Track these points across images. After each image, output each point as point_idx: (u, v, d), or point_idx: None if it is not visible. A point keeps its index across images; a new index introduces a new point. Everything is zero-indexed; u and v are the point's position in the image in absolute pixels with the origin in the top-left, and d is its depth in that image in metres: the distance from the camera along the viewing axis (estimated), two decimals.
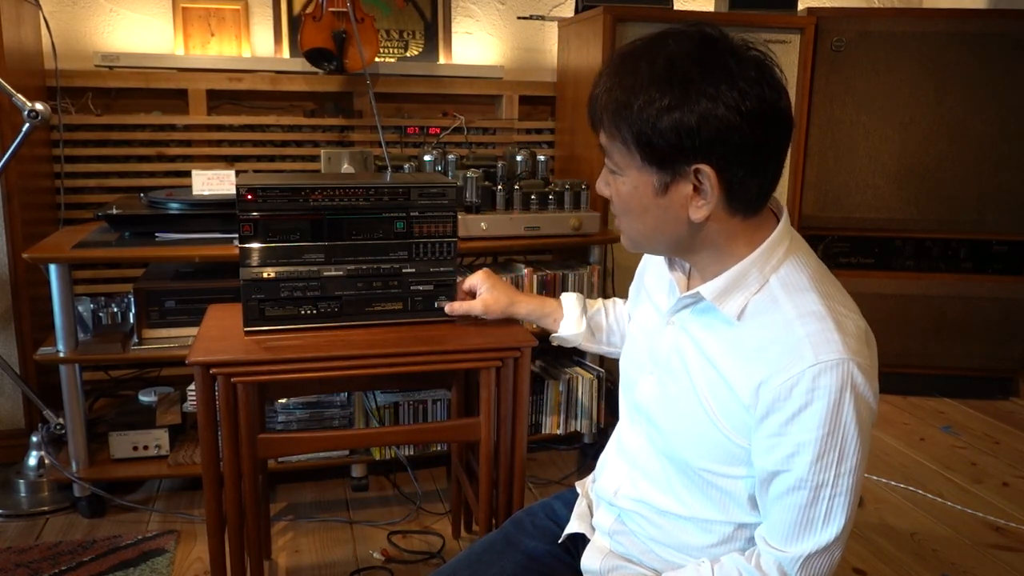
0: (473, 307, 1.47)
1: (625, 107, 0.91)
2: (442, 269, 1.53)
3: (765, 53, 0.92)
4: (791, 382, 0.87)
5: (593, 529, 1.17)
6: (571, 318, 1.39)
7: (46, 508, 2.08)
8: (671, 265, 1.09)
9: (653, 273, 1.16)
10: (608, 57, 0.96)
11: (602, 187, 1.03)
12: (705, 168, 0.90)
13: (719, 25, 0.93)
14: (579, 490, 1.26)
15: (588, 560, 1.14)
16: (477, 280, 1.49)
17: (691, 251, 1.00)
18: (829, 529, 0.90)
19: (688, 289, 1.04)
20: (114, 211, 2.05)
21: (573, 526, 1.20)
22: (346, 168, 2.26)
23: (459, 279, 1.54)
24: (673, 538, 1.05)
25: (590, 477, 1.26)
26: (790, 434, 0.88)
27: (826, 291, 0.94)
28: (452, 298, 1.53)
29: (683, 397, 1.00)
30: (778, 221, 0.99)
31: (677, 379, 1.02)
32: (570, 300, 1.41)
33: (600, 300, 1.44)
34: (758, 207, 0.96)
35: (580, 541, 1.19)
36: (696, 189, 0.92)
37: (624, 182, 0.97)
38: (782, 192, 2.82)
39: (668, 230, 0.97)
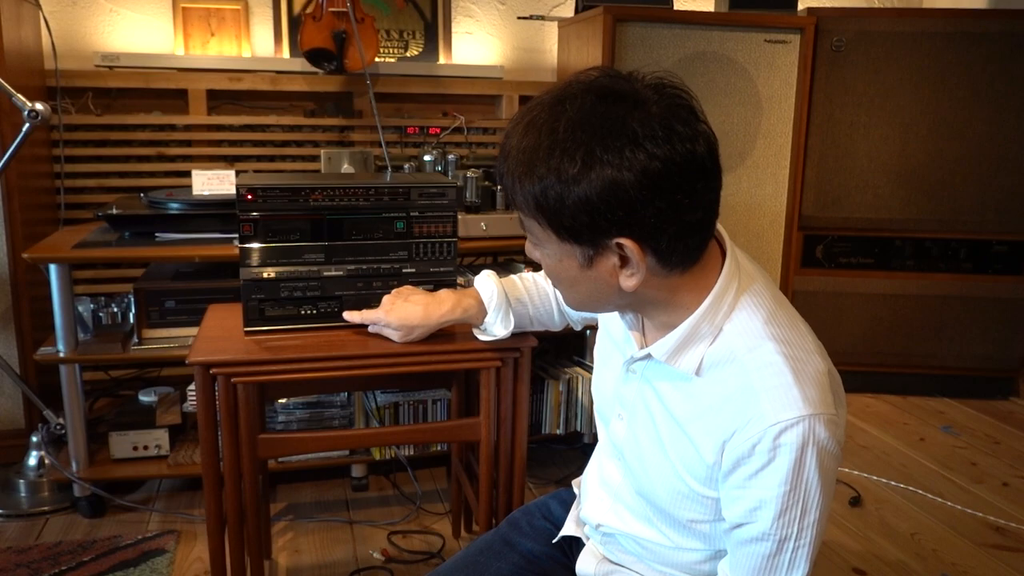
0: (392, 335, 1.41)
1: (529, 184, 0.83)
2: (442, 269, 1.53)
3: (674, 94, 0.83)
4: (752, 441, 0.84)
5: (587, 537, 1.17)
6: (492, 325, 1.36)
7: (46, 508, 2.08)
8: (622, 316, 1.03)
9: (611, 315, 1.10)
10: (517, 117, 0.86)
11: (531, 250, 0.95)
12: (626, 242, 0.83)
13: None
14: (576, 490, 1.26)
15: (583, 564, 1.14)
16: (381, 316, 1.39)
17: (636, 309, 0.96)
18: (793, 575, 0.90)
19: (644, 342, 0.99)
20: (114, 211, 2.05)
21: (569, 529, 1.20)
22: (346, 168, 2.26)
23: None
24: (661, 558, 1.05)
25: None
26: (753, 488, 0.86)
27: (783, 336, 0.88)
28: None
29: (652, 449, 0.99)
30: (723, 253, 0.93)
31: (646, 428, 1.00)
32: (490, 304, 1.35)
33: (522, 286, 1.36)
34: (696, 258, 0.89)
35: (575, 542, 1.19)
36: (622, 260, 0.86)
37: (548, 255, 0.91)
38: (782, 192, 2.81)
39: (604, 297, 0.92)
